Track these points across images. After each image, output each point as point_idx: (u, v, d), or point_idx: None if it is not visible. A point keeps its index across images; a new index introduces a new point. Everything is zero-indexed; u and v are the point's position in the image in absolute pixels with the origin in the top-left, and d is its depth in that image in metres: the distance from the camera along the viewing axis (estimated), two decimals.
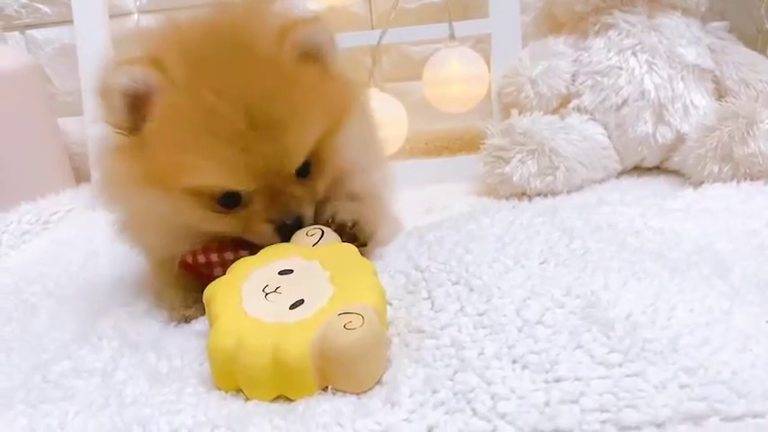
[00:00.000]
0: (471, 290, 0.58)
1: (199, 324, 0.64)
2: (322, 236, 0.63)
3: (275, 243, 0.63)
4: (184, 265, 0.68)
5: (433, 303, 0.58)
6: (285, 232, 0.64)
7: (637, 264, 0.61)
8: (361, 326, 0.49)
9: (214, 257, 0.66)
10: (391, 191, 0.79)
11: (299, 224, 0.64)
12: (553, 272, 0.60)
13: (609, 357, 0.49)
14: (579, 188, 1.05)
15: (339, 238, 0.64)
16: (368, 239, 0.68)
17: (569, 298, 0.56)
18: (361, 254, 0.63)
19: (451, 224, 0.71)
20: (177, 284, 0.69)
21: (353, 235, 0.66)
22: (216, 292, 0.58)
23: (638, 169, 1.12)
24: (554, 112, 1.13)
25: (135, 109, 0.60)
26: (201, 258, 0.66)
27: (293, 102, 0.61)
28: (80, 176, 1.37)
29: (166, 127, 0.60)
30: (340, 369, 0.50)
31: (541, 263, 0.61)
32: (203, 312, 0.65)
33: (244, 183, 0.61)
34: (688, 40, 1.08)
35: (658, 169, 1.11)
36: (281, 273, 0.58)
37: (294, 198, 0.64)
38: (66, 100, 1.43)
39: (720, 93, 1.09)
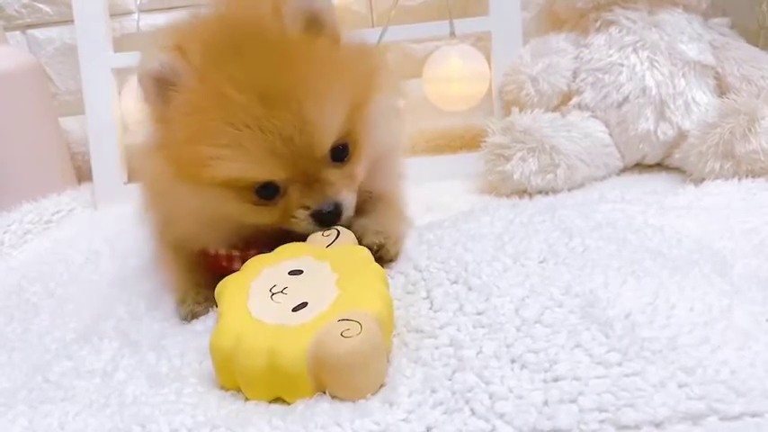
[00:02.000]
0: (470, 289, 0.58)
1: (199, 324, 0.65)
2: (338, 236, 0.62)
3: (315, 231, 0.62)
4: (206, 256, 0.68)
5: (432, 303, 0.58)
6: (323, 220, 0.62)
7: (636, 262, 0.61)
8: (358, 334, 0.49)
9: (236, 253, 0.66)
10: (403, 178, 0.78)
11: (337, 212, 0.62)
12: (552, 270, 0.59)
13: (608, 357, 0.49)
14: (580, 186, 1.05)
15: (355, 240, 0.62)
16: (393, 260, 0.66)
17: (568, 297, 0.56)
18: None
19: (451, 223, 0.71)
20: (193, 278, 0.69)
21: (379, 257, 0.64)
22: (225, 288, 0.58)
23: (640, 166, 1.12)
24: (555, 109, 1.13)
25: (165, 98, 0.60)
26: (222, 251, 0.66)
27: (305, 76, 0.59)
28: (81, 176, 1.37)
29: (188, 118, 0.59)
30: (334, 377, 0.49)
31: (541, 262, 0.61)
32: (208, 310, 0.66)
33: (272, 171, 0.60)
34: (689, 36, 1.08)
35: (660, 166, 1.11)
36: (290, 273, 0.58)
37: (329, 184, 0.62)
38: (67, 99, 1.44)
39: (722, 89, 1.08)
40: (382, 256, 0.65)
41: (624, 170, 1.11)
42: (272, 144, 0.58)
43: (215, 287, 0.60)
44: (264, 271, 0.58)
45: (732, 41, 1.10)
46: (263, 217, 0.63)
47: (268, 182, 0.61)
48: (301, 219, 0.62)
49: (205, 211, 0.63)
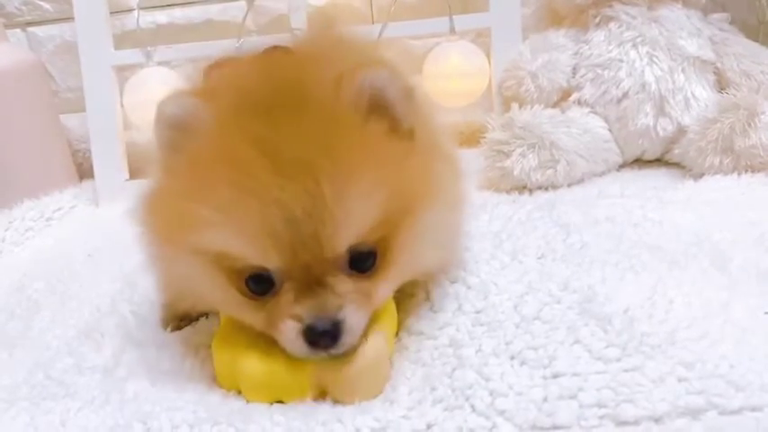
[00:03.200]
0: (469, 288, 0.58)
1: (201, 321, 0.65)
2: None
3: (302, 353, 0.49)
4: None
5: (432, 304, 0.58)
6: (315, 340, 0.48)
7: (635, 257, 0.61)
8: (363, 345, 0.49)
9: None
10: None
11: (334, 333, 0.48)
12: (550, 267, 0.60)
13: (607, 352, 0.50)
14: (580, 181, 1.04)
15: None
16: None
17: (567, 293, 0.56)
18: None
19: None
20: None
21: None
22: None
23: (639, 162, 1.12)
24: (555, 105, 1.12)
25: (178, 146, 0.51)
26: None
27: (338, 157, 0.47)
28: (83, 173, 1.37)
29: (191, 171, 0.50)
30: (337, 385, 0.49)
31: (539, 258, 0.61)
32: (194, 321, 0.65)
33: (265, 253, 0.48)
34: (689, 31, 1.07)
35: (659, 162, 1.11)
36: None
37: (334, 294, 0.48)
38: (68, 97, 1.44)
39: (722, 84, 1.08)
40: None
41: (623, 165, 1.11)
42: (272, 220, 0.46)
43: None
44: None
45: (732, 37, 1.10)
46: (248, 315, 0.51)
47: (260, 270, 0.49)
48: (289, 331, 0.48)
49: (191, 285, 0.54)
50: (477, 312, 0.55)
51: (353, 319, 0.49)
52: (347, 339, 0.48)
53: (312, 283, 0.48)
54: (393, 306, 0.56)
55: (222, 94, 0.52)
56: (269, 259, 0.48)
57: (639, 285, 0.56)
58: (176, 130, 0.51)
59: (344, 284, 0.49)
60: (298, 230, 0.47)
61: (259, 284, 0.50)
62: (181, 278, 0.54)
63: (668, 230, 0.68)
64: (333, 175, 0.47)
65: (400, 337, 0.57)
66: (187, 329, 0.64)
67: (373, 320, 0.51)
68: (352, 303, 0.49)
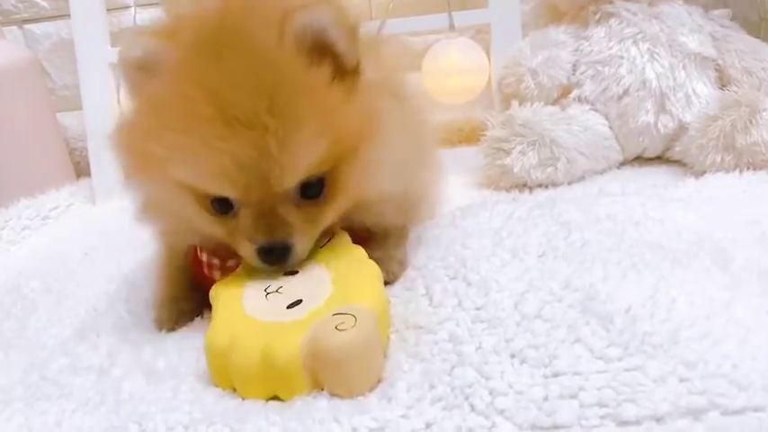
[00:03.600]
0: (469, 284, 0.57)
1: (196, 321, 0.64)
2: (332, 236, 0.61)
3: (259, 266, 0.56)
4: (195, 260, 0.66)
5: (431, 299, 0.58)
6: (268, 260, 0.56)
7: (636, 255, 0.60)
8: (353, 327, 0.48)
9: (215, 261, 0.63)
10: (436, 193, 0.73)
11: (285, 254, 0.55)
12: (552, 265, 0.59)
13: (608, 351, 0.49)
14: (580, 179, 1.04)
15: (350, 240, 0.61)
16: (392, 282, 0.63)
17: (568, 291, 0.55)
18: None
19: (449, 221, 0.70)
20: (171, 291, 0.67)
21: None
22: (220, 289, 0.57)
23: (640, 159, 1.11)
24: (555, 102, 1.12)
25: (142, 86, 0.56)
26: (203, 257, 0.63)
27: (282, 103, 0.51)
28: (79, 171, 1.37)
29: (151, 112, 0.55)
30: (329, 371, 0.49)
31: (540, 256, 0.61)
32: (188, 322, 0.65)
33: (222, 189, 0.54)
34: (690, 28, 1.07)
35: (660, 159, 1.10)
36: (285, 273, 0.57)
37: (284, 222, 0.55)
38: (64, 94, 1.43)
39: (723, 81, 1.07)
40: (386, 280, 0.61)
41: (624, 163, 1.11)
42: (224, 166, 0.52)
43: (195, 299, 0.60)
44: (260, 273, 0.58)
45: (733, 33, 1.09)
46: (217, 230, 0.58)
47: (220, 196, 0.56)
48: (246, 248, 0.56)
49: (170, 208, 0.60)
50: (478, 309, 0.55)
51: (302, 242, 0.56)
52: (295, 258, 0.56)
53: (265, 212, 0.54)
54: (386, 297, 0.56)
55: (180, 35, 0.55)
56: (225, 192, 0.54)
57: (641, 284, 0.55)
58: (138, 70, 0.55)
59: (293, 214, 0.55)
60: (247, 174, 0.52)
61: (222, 206, 0.56)
62: (157, 201, 0.60)
63: (670, 229, 0.67)
64: (277, 127, 0.51)
65: (398, 329, 0.56)
66: (184, 329, 0.64)
67: (359, 299, 0.52)
68: (299, 231, 0.55)
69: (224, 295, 0.56)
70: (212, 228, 0.58)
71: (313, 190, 0.56)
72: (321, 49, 0.54)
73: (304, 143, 0.52)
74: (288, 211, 0.55)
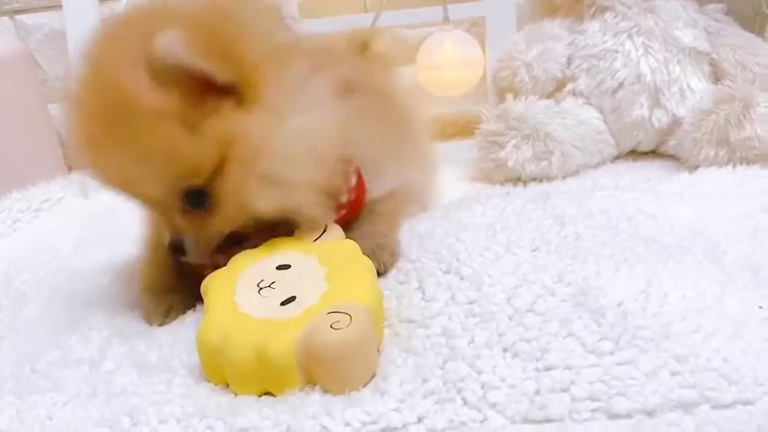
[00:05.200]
0: (462, 278, 0.57)
1: (188, 315, 0.64)
2: (324, 230, 0.61)
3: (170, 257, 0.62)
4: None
5: (423, 293, 0.58)
6: (168, 250, 0.61)
7: (629, 250, 0.60)
8: (348, 325, 0.48)
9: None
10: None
11: (178, 249, 0.60)
12: (545, 259, 0.59)
13: (600, 345, 0.49)
14: (575, 173, 1.04)
15: (343, 234, 0.62)
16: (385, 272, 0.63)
17: (560, 285, 0.55)
18: None
19: (442, 214, 0.70)
20: (161, 275, 0.68)
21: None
22: (211, 283, 0.57)
23: (634, 153, 1.11)
24: (549, 96, 1.12)
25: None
26: None
27: (130, 135, 0.54)
28: (72, 164, 1.36)
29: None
30: (324, 369, 0.49)
31: (533, 250, 0.61)
32: (179, 315, 0.65)
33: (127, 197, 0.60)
34: (684, 22, 1.07)
35: (654, 153, 1.11)
36: (278, 268, 0.57)
37: (173, 224, 0.60)
38: (56, 86, 1.42)
39: (717, 76, 1.07)
40: (378, 270, 0.61)
41: (618, 157, 1.11)
42: (109, 182, 0.59)
43: (186, 290, 0.61)
44: (252, 266, 0.58)
45: (727, 27, 1.09)
46: (154, 216, 0.65)
47: None
48: (164, 238, 0.62)
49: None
50: (470, 303, 0.55)
51: (190, 243, 0.60)
52: (192, 256, 0.60)
53: (163, 214, 0.60)
54: (380, 293, 0.56)
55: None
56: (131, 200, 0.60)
57: (633, 278, 0.56)
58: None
59: (179, 219, 0.59)
60: (124, 188, 0.59)
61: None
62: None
63: (663, 223, 0.67)
64: (132, 162, 0.55)
65: (391, 323, 0.56)
66: (174, 323, 0.63)
67: (353, 296, 0.52)
68: (188, 233, 0.59)
69: (215, 289, 0.56)
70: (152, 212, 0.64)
71: (194, 199, 0.58)
72: (179, 74, 0.52)
73: (148, 169, 0.55)
74: (175, 216, 0.59)
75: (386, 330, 0.55)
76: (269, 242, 0.61)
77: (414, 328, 0.54)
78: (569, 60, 1.11)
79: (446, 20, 1.17)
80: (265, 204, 0.58)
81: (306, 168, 0.58)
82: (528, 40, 1.12)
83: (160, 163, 0.55)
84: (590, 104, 1.09)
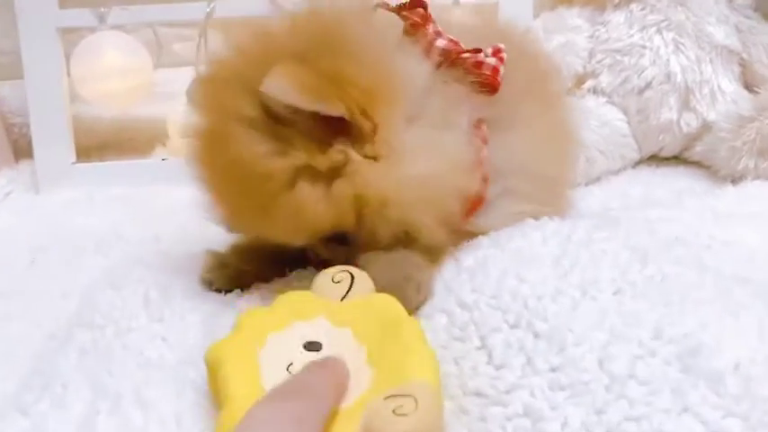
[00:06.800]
0: (537, 336, 0.46)
1: (192, 370, 0.50)
2: (352, 282, 0.50)
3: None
4: None
5: (490, 355, 0.46)
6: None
7: (725, 293, 0.51)
8: (415, 410, 0.38)
9: None
10: None
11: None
12: (631, 306, 0.49)
13: (725, 424, 0.40)
14: (596, 180, 0.96)
15: (372, 284, 0.50)
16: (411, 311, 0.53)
17: (660, 342, 0.45)
18: None
19: (492, 241, 0.58)
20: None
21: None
22: (226, 355, 0.44)
23: (655, 159, 1.04)
24: (568, 93, 1.02)
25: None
26: None
27: (251, 201, 0.53)
28: (19, 152, 1.19)
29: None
30: None
31: (615, 293, 0.50)
32: (226, 281, 0.61)
33: None
34: (717, 17, 0.99)
35: (677, 159, 1.03)
36: (307, 347, 0.45)
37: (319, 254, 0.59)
38: (1, 61, 1.24)
39: (746, 77, 1.00)
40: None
41: (639, 162, 1.03)
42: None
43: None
44: (271, 336, 0.45)
45: (758, 25, 1.02)
46: None
47: None
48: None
49: None
50: (554, 370, 0.44)
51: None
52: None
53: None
54: (437, 363, 0.45)
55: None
56: None
57: (741, 331, 0.46)
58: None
59: (322, 251, 0.59)
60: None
61: None
62: None
63: (741, 253, 0.59)
64: (272, 226, 0.54)
65: (453, 396, 0.45)
66: (178, 378, 0.49)
67: (409, 372, 0.42)
68: (331, 260, 0.57)
69: (234, 367, 0.43)
70: None
71: (336, 241, 0.57)
72: (294, 119, 0.50)
73: (290, 232, 0.55)
74: (322, 252, 0.59)
75: (448, 404, 0.44)
76: (282, 301, 0.50)
77: (486, 404, 0.43)
78: (590, 54, 1.02)
79: (456, 4, 1.06)
80: (394, 236, 0.56)
81: (433, 210, 0.55)
82: (546, 30, 1.03)
83: (301, 227, 0.54)
84: (613, 104, 1.00)
